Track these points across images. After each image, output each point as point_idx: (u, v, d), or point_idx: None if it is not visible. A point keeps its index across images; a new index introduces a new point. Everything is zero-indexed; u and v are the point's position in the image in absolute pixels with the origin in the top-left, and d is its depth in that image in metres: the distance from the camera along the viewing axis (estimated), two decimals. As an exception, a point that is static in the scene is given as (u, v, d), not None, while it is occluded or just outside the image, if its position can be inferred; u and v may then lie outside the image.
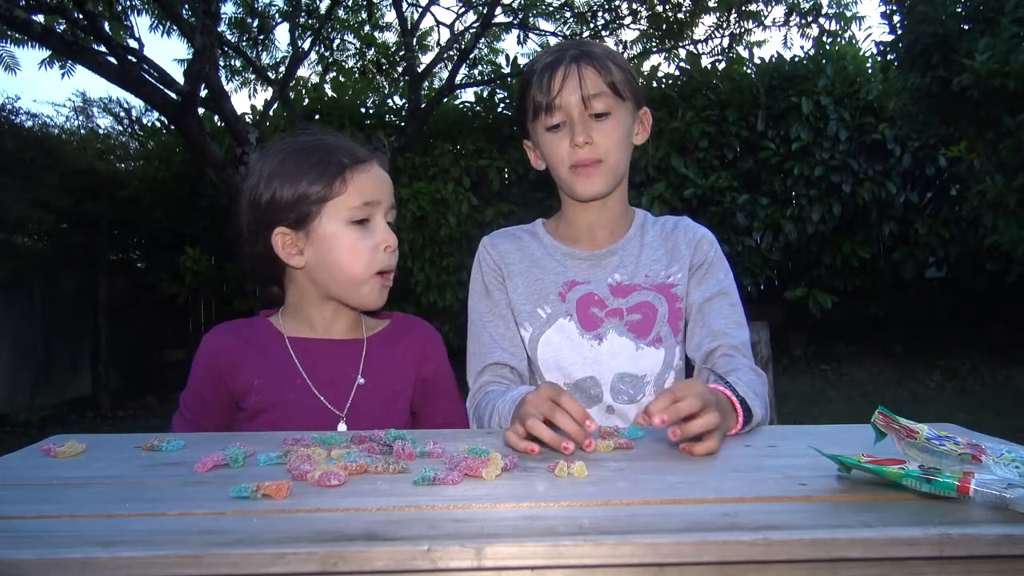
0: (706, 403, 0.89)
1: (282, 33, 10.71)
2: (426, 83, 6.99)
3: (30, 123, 6.71)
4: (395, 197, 1.32)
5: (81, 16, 5.16)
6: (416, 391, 1.30)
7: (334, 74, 7.42)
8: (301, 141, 1.27)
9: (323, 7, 6.79)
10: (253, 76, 7.19)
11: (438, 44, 7.38)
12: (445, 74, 7.02)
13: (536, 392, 0.95)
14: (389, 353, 1.29)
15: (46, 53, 6.01)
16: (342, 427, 1.21)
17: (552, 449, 0.89)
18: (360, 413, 1.22)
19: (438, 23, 7.39)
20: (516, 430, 0.93)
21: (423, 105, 6.35)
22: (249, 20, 6.90)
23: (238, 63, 7.11)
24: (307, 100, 7.32)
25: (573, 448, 0.88)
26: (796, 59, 6.35)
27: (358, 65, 7.59)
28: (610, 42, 7.15)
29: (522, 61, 6.90)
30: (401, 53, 7.24)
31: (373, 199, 1.22)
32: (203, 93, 5.35)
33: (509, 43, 28.87)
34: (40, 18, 5.32)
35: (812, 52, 6.42)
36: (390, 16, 7.99)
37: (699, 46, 7.04)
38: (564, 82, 1.21)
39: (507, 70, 7.04)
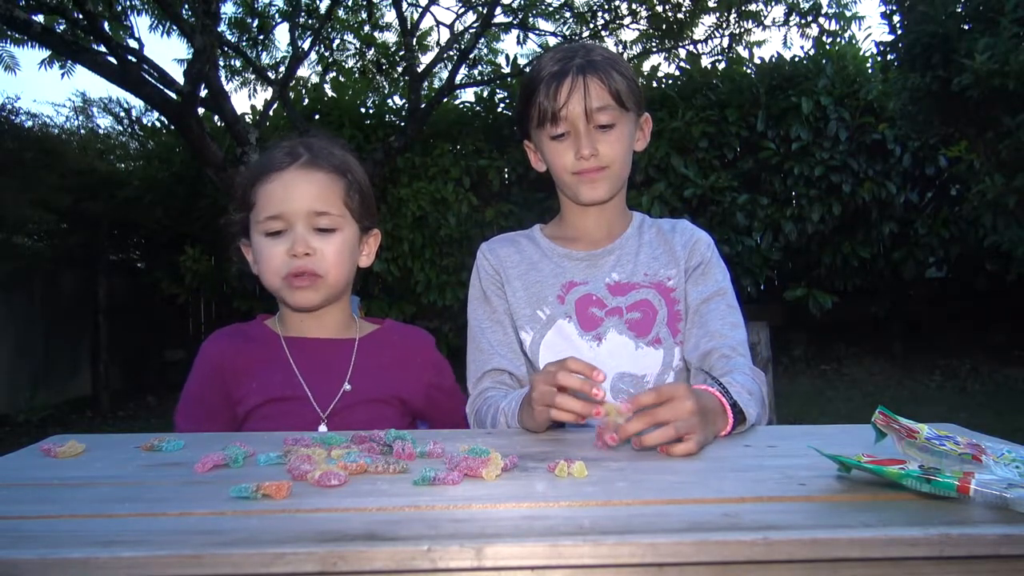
0: (673, 418, 0.89)
1: (282, 33, 10.74)
2: (426, 83, 6.99)
3: (30, 123, 6.72)
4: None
5: (81, 16, 5.15)
6: (421, 401, 1.33)
7: (334, 74, 7.41)
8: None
9: (323, 7, 6.78)
10: (253, 76, 7.19)
11: (438, 44, 7.38)
12: (445, 74, 7.02)
13: (541, 373, 0.98)
14: (378, 360, 1.30)
15: (46, 53, 6.00)
16: (322, 429, 1.22)
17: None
18: (342, 419, 1.23)
19: (438, 23, 7.39)
20: (543, 411, 0.95)
21: (423, 105, 6.34)
22: (249, 20, 6.89)
23: (238, 63, 7.10)
24: (307, 100, 7.31)
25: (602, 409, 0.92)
26: (796, 59, 6.35)
27: (358, 65, 7.58)
28: (610, 42, 7.15)
29: (522, 61, 6.90)
30: (401, 53, 7.23)
31: (280, 212, 1.20)
32: (203, 93, 5.34)
33: (509, 43, 28.88)
34: (40, 18, 5.32)
35: (812, 52, 6.42)
36: (390, 16, 8.01)
37: (699, 46, 7.04)
38: (570, 94, 1.21)
39: (507, 70, 7.04)
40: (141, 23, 15.53)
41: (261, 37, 7.05)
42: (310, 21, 6.87)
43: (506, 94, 6.82)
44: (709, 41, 7.04)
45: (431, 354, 1.37)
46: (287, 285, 1.22)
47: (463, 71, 6.97)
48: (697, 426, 0.89)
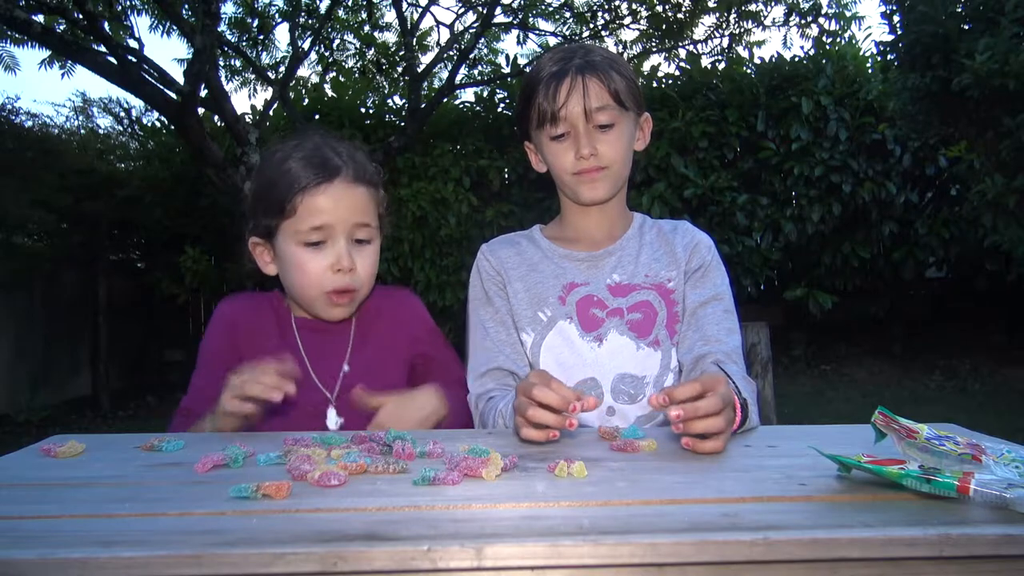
0: (724, 405, 0.89)
1: (282, 33, 10.73)
2: (426, 83, 6.99)
3: (30, 123, 6.71)
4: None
5: (81, 16, 5.15)
6: (413, 364, 1.36)
7: (334, 74, 7.41)
8: (277, 153, 1.28)
9: (323, 7, 6.79)
10: (253, 76, 7.19)
11: (438, 44, 7.38)
12: (445, 74, 7.02)
13: (523, 381, 0.98)
14: (372, 334, 1.33)
15: (46, 53, 6.00)
16: (331, 413, 1.25)
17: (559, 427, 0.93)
18: (347, 400, 1.26)
19: (438, 23, 7.39)
20: (522, 423, 0.95)
21: (423, 105, 6.34)
22: (249, 20, 6.89)
23: (238, 63, 7.10)
24: (307, 100, 7.31)
25: (576, 423, 0.92)
26: (796, 59, 6.35)
27: (358, 65, 7.58)
28: (610, 42, 7.15)
29: (522, 61, 6.89)
30: (401, 53, 7.23)
31: (325, 223, 1.21)
32: (203, 93, 5.34)
33: (509, 43, 28.86)
34: (40, 18, 5.32)
35: (812, 52, 6.42)
36: (390, 16, 8.00)
37: (699, 46, 7.05)
38: (569, 94, 1.22)
39: (507, 70, 7.03)
40: (141, 23, 15.52)
41: (261, 37, 7.05)
42: (310, 21, 6.88)
43: (506, 94, 6.81)
44: (709, 41, 7.05)
45: (422, 318, 1.40)
46: (327, 300, 1.25)
47: (463, 71, 6.98)
48: (732, 420, 0.91)
